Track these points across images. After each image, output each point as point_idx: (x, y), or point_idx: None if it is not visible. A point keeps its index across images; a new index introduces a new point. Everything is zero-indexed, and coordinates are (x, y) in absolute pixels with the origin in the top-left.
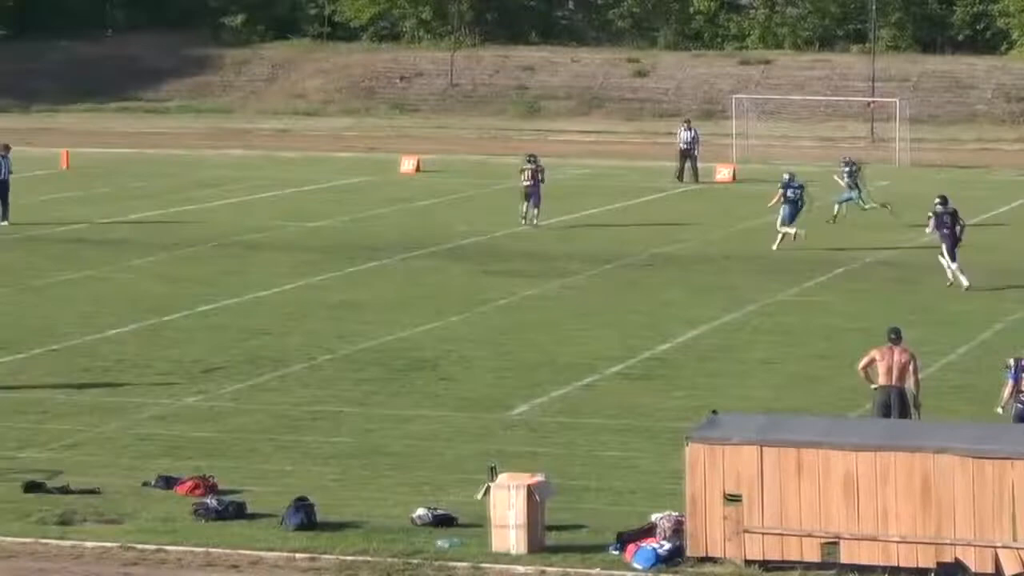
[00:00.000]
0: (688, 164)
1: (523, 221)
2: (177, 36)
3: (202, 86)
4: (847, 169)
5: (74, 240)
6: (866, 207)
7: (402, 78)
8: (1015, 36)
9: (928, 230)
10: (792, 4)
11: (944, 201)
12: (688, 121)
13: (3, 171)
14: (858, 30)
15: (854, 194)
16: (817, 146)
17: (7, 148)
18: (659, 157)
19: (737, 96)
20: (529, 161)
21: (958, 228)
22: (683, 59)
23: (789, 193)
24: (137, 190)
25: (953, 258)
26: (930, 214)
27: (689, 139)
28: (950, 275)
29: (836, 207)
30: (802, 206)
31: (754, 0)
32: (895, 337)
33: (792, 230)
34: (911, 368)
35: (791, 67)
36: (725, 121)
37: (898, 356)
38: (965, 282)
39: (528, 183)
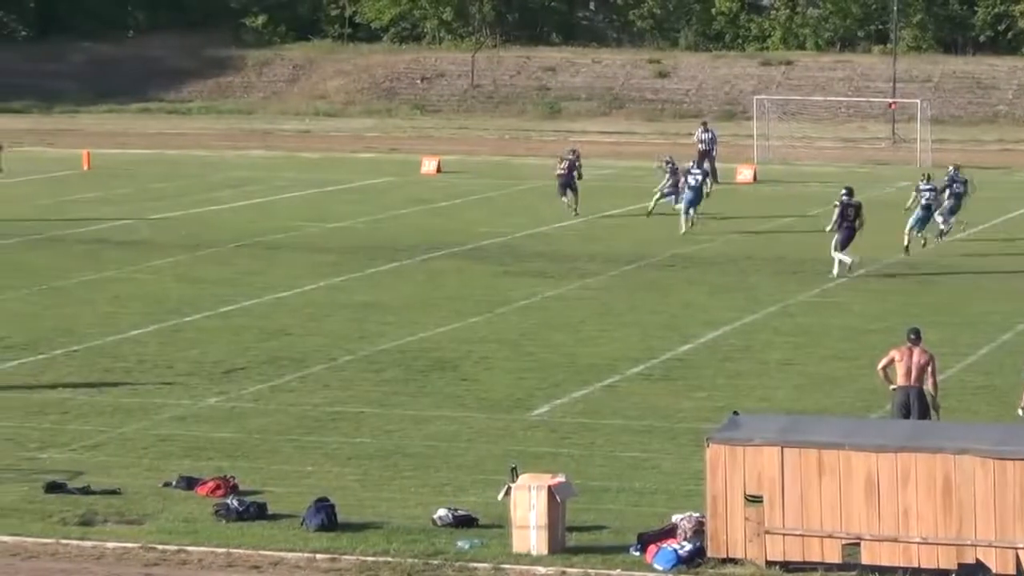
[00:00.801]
0: (706, 165)
1: (573, 212)
2: (198, 37)
3: (223, 87)
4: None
5: (95, 241)
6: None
7: (423, 79)
8: None
9: (833, 218)
10: (814, 5)
11: (850, 192)
12: (705, 122)
13: None
14: (880, 31)
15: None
16: (838, 147)
17: None
18: (680, 158)
19: (758, 97)
20: (571, 153)
21: (858, 222)
22: (704, 60)
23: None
24: (158, 191)
25: (841, 249)
26: (836, 203)
27: (707, 140)
28: (836, 268)
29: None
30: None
31: (775, 1)
32: (914, 338)
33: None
34: (930, 369)
35: (812, 68)
36: (746, 122)
37: (917, 357)
38: (848, 260)
39: (561, 172)
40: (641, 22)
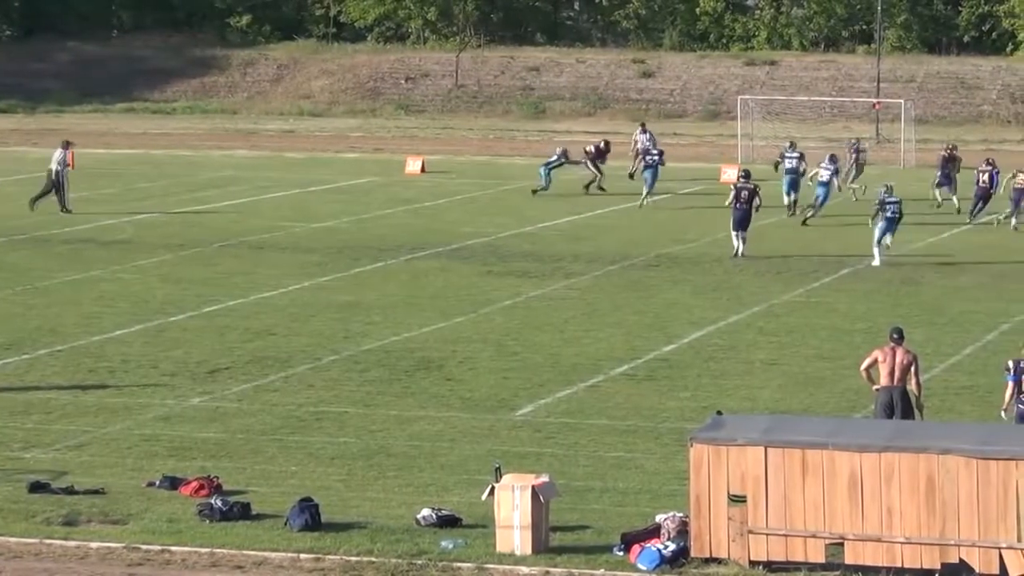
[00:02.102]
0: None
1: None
2: (183, 37)
3: (208, 87)
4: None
5: (80, 241)
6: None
7: (408, 79)
8: (1021, 37)
9: (729, 200)
10: (798, 5)
11: (747, 175)
12: (643, 123)
13: None
14: (864, 31)
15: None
16: (823, 147)
17: None
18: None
19: (743, 97)
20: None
21: (755, 203)
22: (689, 60)
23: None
24: (143, 191)
25: (740, 229)
26: (732, 186)
27: (645, 140)
28: (739, 248)
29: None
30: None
31: (760, 1)
32: (897, 337)
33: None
34: (913, 369)
35: (797, 68)
36: (731, 122)
37: (900, 357)
38: (738, 245)
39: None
40: (626, 22)
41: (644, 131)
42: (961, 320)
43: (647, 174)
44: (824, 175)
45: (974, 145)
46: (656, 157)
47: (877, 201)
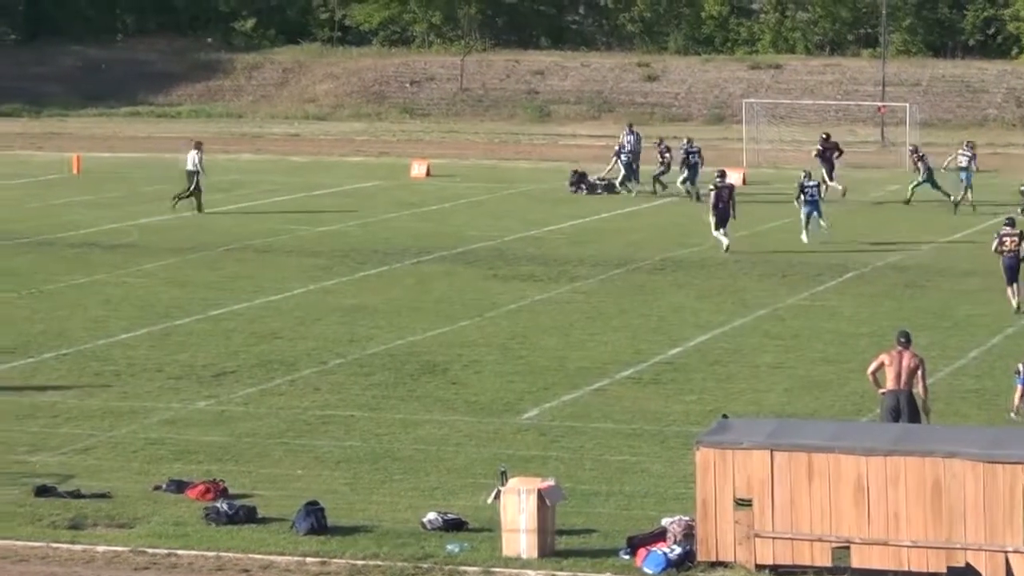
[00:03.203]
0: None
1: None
2: (187, 41)
3: (213, 91)
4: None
5: (85, 244)
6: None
7: (412, 82)
8: None
9: (711, 202)
10: (803, 9)
11: (723, 175)
12: (631, 124)
13: None
14: (869, 35)
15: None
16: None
17: None
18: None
19: (747, 101)
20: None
21: (732, 202)
22: (693, 64)
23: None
24: (148, 195)
25: (720, 227)
26: (711, 187)
27: (632, 142)
28: (724, 244)
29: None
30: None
31: (765, 5)
32: (904, 341)
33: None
34: (919, 373)
35: (802, 72)
36: (735, 126)
37: (907, 360)
38: (725, 241)
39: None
40: (630, 26)
41: (631, 132)
42: (966, 323)
43: (686, 172)
44: (963, 160)
45: (980, 149)
46: (695, 155)
47: (797, 185)
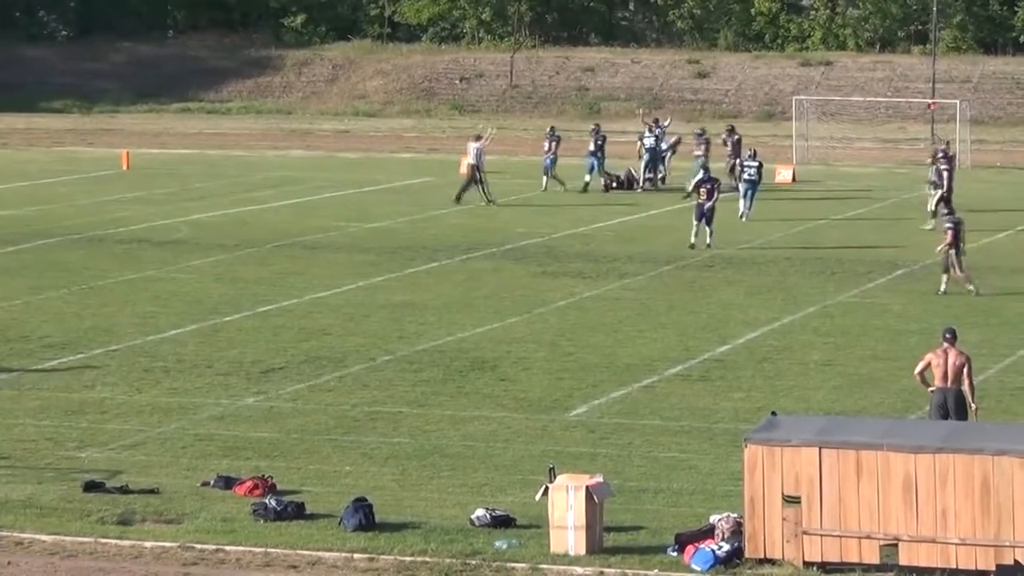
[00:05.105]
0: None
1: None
2: (238, 37)
3: (263, 87)
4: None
5: (135, 240)
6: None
7: (462, 79)
8: None
9: (697, 199)
10: (854, 5)
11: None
12: (657, 119)
13: None
14: (919, 31)
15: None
16: (877, 148)
17: None
18: (718, 158)
19: (798, 97)
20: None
21: (715, 197)
22: (744, 60)
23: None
24: (197, 191)
25: (701, 221)
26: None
27: (659, 136)
28: (697, 240)
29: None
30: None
31: (815, 1)
32: (950, 338)
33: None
34: (965, 370)
35: (852, 68)
36: (785, 123)
37: (953, 358)
38: (708, 240)
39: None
40: (681, 22)
41: (658, 126)
42: (1016, 321)
43: (743, 188)
44: None
45: None
46: (754, 171)
47: (739, 162)
